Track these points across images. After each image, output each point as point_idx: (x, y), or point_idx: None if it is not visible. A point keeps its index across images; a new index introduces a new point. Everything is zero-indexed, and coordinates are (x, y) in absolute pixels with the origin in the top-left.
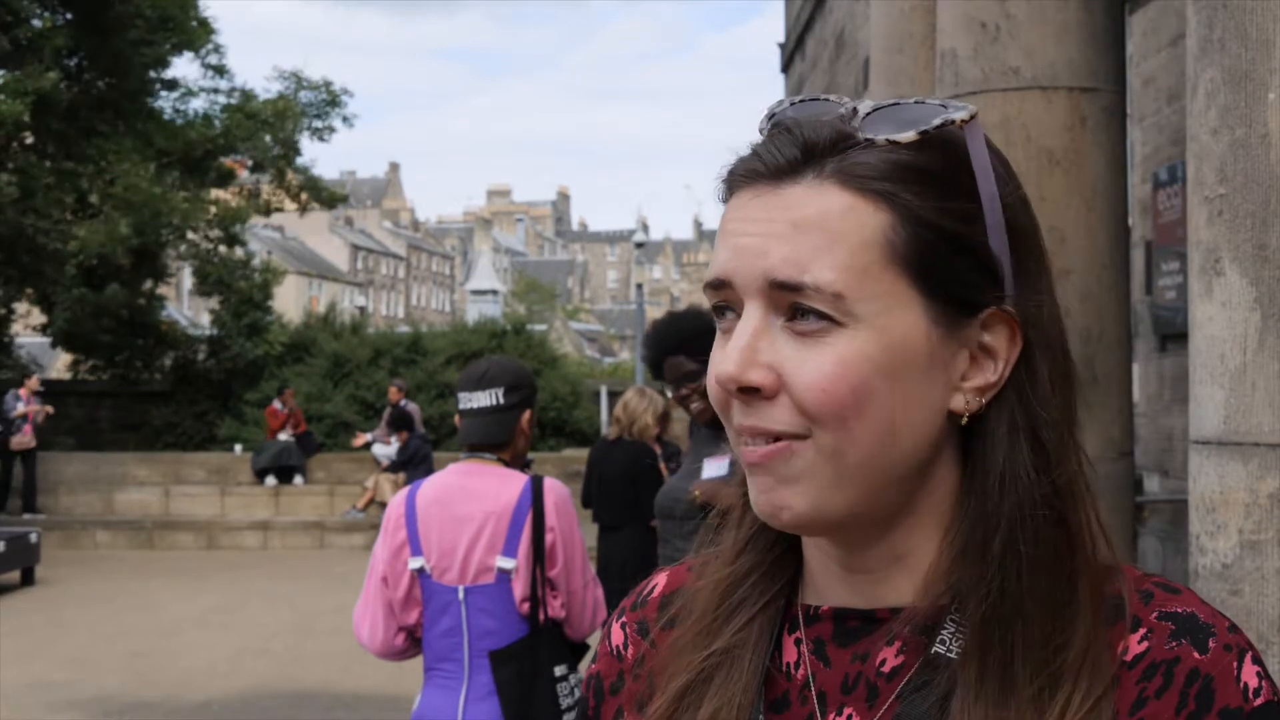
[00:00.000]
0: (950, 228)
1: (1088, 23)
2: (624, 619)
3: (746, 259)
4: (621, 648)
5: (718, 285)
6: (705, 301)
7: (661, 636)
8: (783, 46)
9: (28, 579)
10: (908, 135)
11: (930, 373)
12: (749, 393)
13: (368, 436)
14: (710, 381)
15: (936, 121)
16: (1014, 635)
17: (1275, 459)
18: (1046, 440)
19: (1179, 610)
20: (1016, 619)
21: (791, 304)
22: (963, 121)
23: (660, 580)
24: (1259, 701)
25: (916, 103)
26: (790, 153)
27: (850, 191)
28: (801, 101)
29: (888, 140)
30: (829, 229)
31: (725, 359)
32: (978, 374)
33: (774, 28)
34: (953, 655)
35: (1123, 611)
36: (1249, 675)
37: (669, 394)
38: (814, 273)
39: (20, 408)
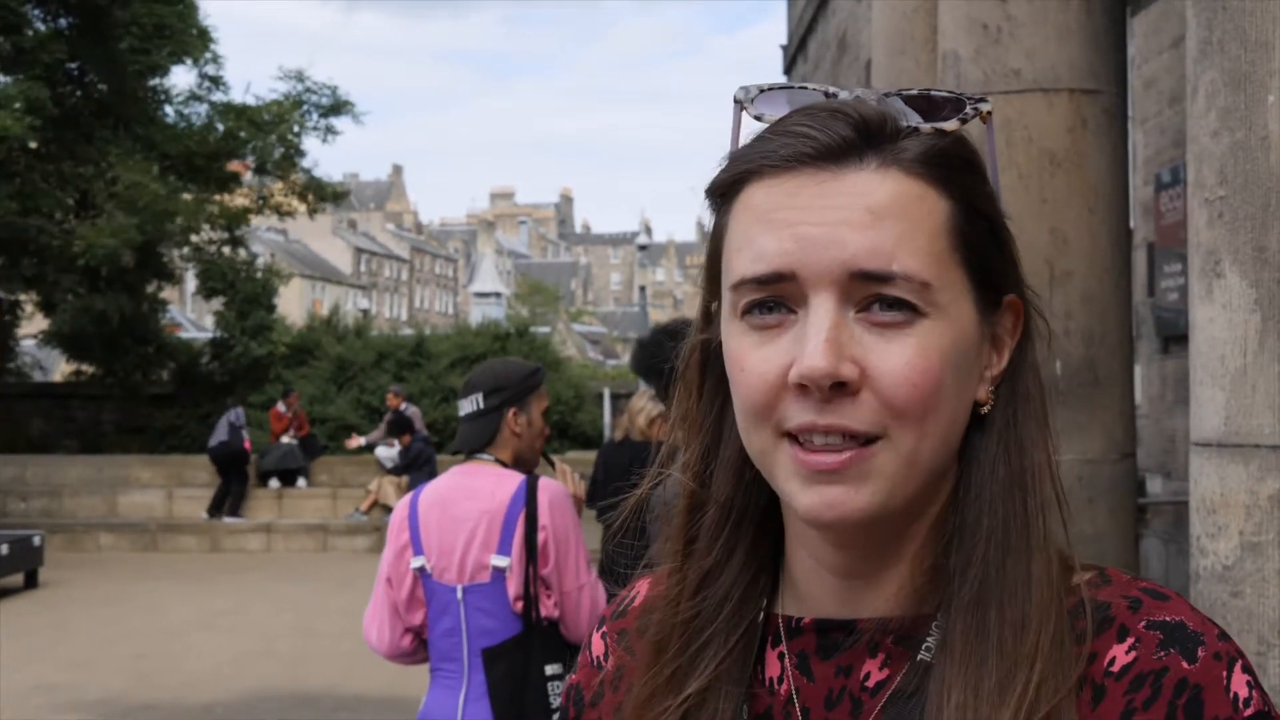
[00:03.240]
0: (991, 213)
1: (1089, 25)
2: (605, 628)
3: (816, 250)
4: (602, 658)
5: (772, 279)
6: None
7: (636, 644)
8: (785, 49)
9: (31, 581)
10: (951, 124)
11: (975, 362)
12: (834, 389)
13: (362, 440)
14: (759, 381)
15: (969, 112)
16: (989, 619)
17: (1276, 460)
18: (1025, 425)
19: (1167, 619)
20: (992, 602)
21: (866, 297)
22: (987, 113)
23: (642, 588)
24: (1249, 712)
25: (920, 92)
26: (847, 134)
27: (915, 178)
28: (777, 89)
29: (933, 128)
30: (908, 216)
31: (812, 354)
32: (993, 363)
33: (781, 30)
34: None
35: (1109, 619)
36: (1239, 685)
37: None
38: (901, 261)
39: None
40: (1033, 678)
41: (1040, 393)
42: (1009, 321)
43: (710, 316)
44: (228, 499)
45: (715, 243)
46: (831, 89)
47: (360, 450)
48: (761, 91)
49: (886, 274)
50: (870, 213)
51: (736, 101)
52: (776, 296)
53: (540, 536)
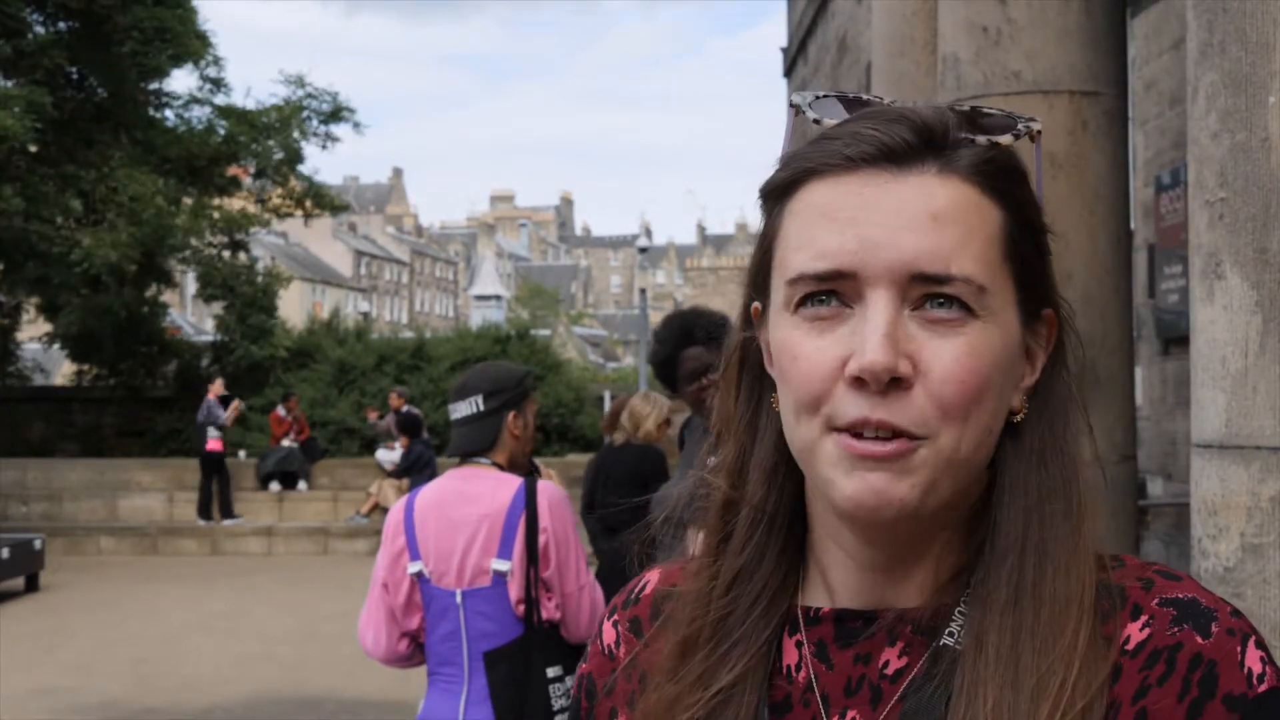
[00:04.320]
0: (1040, 226)
1: (1089, 26)
2: (615, 617)
3: (878, 250)
4: (613, 646)
5: (833, 277)
6: (710, 305)
7: (656, 635)
8: (785, 51)
9: (32, 585)
10: (1006, 138)
11: (1014, 370)
12: (890, 384)
13: (376, 417)
14: (813, 371)
15: (1022, 129)
16: (1024, 621)
17: (1277, 462)
18: (1060, 436)
19: (1180, 596)
20: (1028, 605)
21: (922, 297)
22: (1037, 132)
23: (652, 578)
24: (1263, 688)
25: (972, 108)
26: (910, 138)
27: (974, 186)
28: (833, 96)
29: (989, 140)
30: (966, 222)
31: (873, 349)
32: (1027, 373)
33: (781, 32)
34: (960, 646)
35: (1124, 599)
36: (1252, 660)
37: (683, 388)
38: (960, 265)
39: (224, 414)
40: (1070, 676)
41: (1075, 404)
42: (1044, 333)
43: (751, 318)
44: (214, 500)
45: (767, 242)
46: (889, 99)
47: (372, 440)
48: (818, 97)
49: (946, 276)
50: (931, 216)
51: (793, 106)
52: (835, 292)
53: (541, 539)
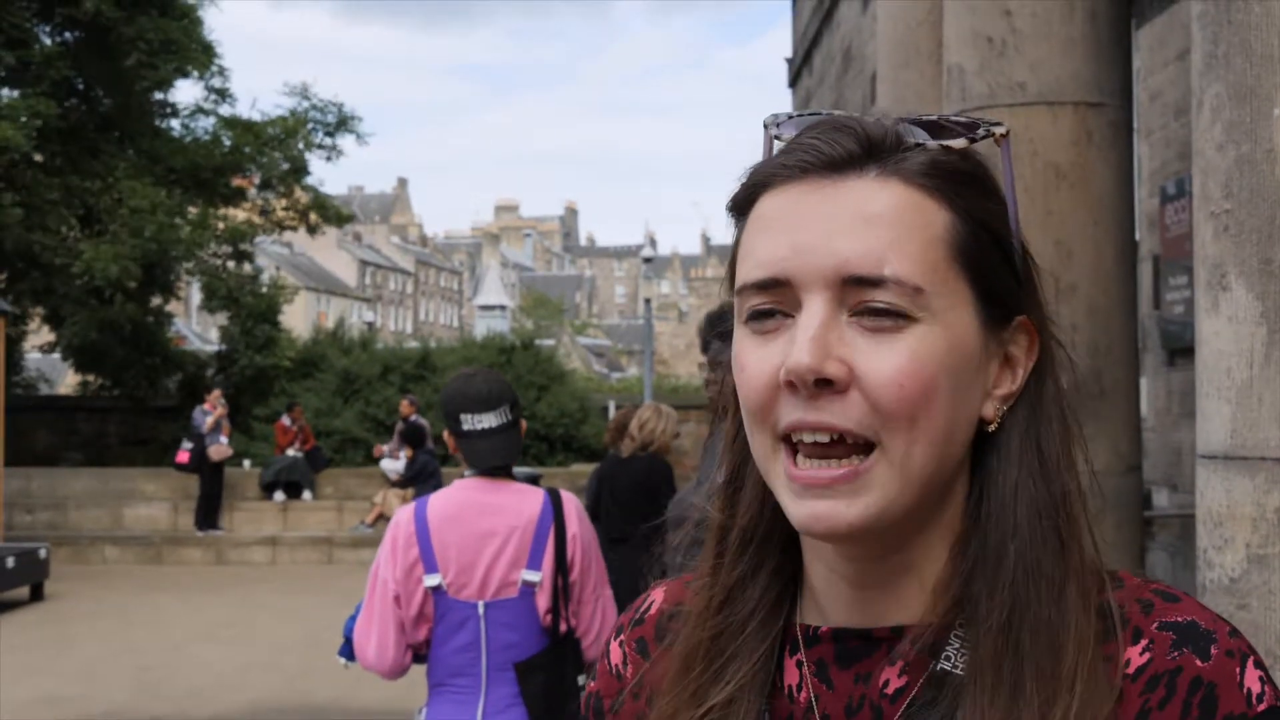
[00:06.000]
0: (998, 230)
1: (1093, 37)
2: (622, 637)
3: (808, 256)
4: (621, 666)
5: (769, 285)
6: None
7: (661, 655)
8: (790, 61)
9: (37, 594)
10: (959, 142)
11: (977, 376)
12: (820, 386)
13: (385, 449)
14: (756, 381)
15: (981, 133)
16: (1023, 645)
17: None
18: (1049, 450)
19: (1179, 619)
20: (1025, 628)
21: (860, 301)
22: (1001, 135)
23: (658, 596)
24: (1262, 707)
25: (939, 117)
26: (851, 146)
27: (915, 188)
28: (803, 115)
29: (941, 145)
30: (901, 223)
31: (798, 351)
32: (1004, 382)
33: (787, 43)
34: (958, 671)
35: (1124, 622)
36: (1251, 680)
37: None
38: (893, 266)
39: (206, 421)
40: (1073, 704)
41: (1063, 416)
42: (1023, 342)
43: None
44: (204, 508)
45: (733, 257)
46: (854, 115)
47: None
48: (790, 117)
49: (878, 278)
50: (863, 219)
51: (766, 127)
52: (776, 301)
53: (569, 548)
